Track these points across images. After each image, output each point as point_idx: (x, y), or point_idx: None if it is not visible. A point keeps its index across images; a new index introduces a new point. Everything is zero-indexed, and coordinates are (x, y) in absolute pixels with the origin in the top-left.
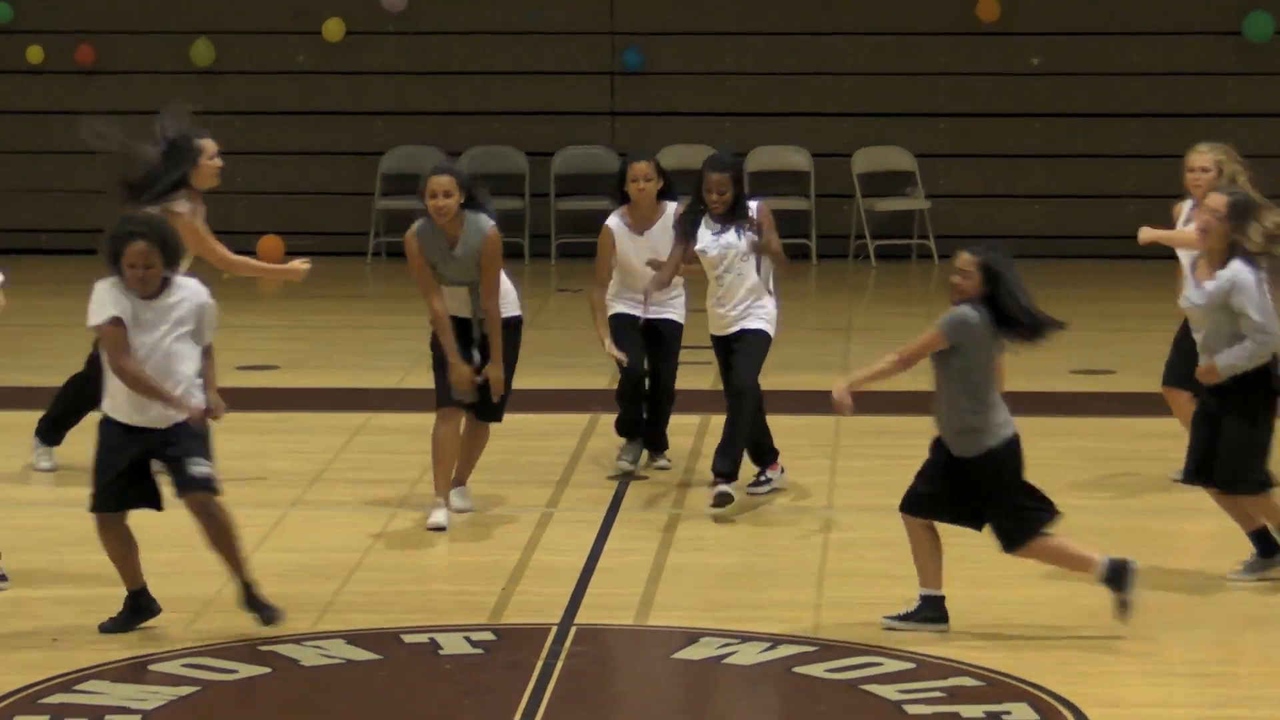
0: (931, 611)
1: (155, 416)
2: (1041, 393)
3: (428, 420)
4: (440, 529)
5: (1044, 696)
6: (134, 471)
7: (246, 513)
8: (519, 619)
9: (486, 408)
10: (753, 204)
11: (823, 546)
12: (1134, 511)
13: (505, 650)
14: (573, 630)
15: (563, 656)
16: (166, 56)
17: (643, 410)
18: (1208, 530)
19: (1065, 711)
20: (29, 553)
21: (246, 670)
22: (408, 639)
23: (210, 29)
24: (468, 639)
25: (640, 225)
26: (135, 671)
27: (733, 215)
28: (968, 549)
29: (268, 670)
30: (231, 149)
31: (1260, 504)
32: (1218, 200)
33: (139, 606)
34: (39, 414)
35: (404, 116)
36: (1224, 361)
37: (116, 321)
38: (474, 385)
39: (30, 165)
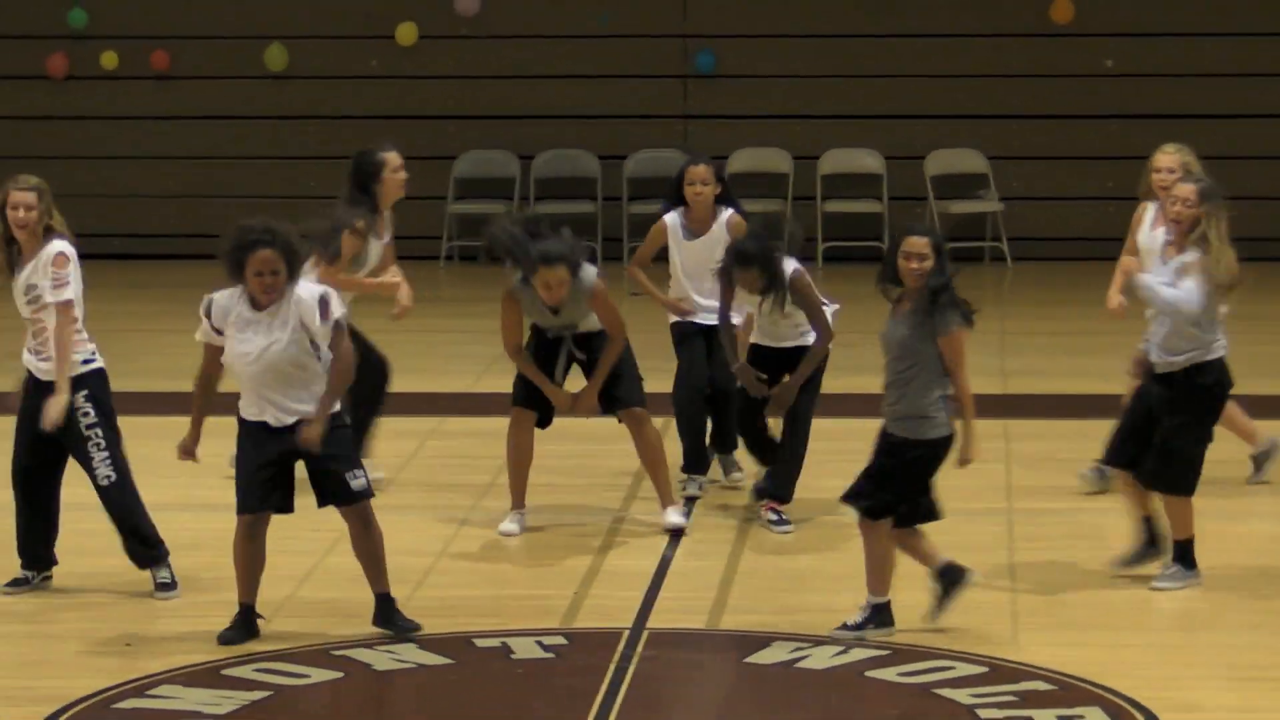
0: (883, 617)
1: (290, 410)
2: (1116, 395)
3: (500, 424)
4: (512, 534)
5: (1117, 700)
6: (278, 473)
7: (317, 517)
8: (591, 623)
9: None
10: (790, 267)
11: (897, 550)
12: (1203, 514)
13: (577, 654)
14: (645, 634)
15: (635, 661)
16: (240, 62)
17: (705, 435)
18: (1273, 532)
19: (1138, 715)
20: (107, 557)
21: (319, 675)
22: (480, 643)
23: (283, 34)
24: (540, 643)
25: (696, 229)
26: (208, 676)
27: (771, 290)
28: (1037, 552)
29: (340, 674)
30: (304, 154)
31: (1179, 506)
32: (1187, 189)
33: (250, 624)
34: None
35: (476, 120)
36: (1148, 282)
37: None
38: (574, 403)
39: (105, 170)
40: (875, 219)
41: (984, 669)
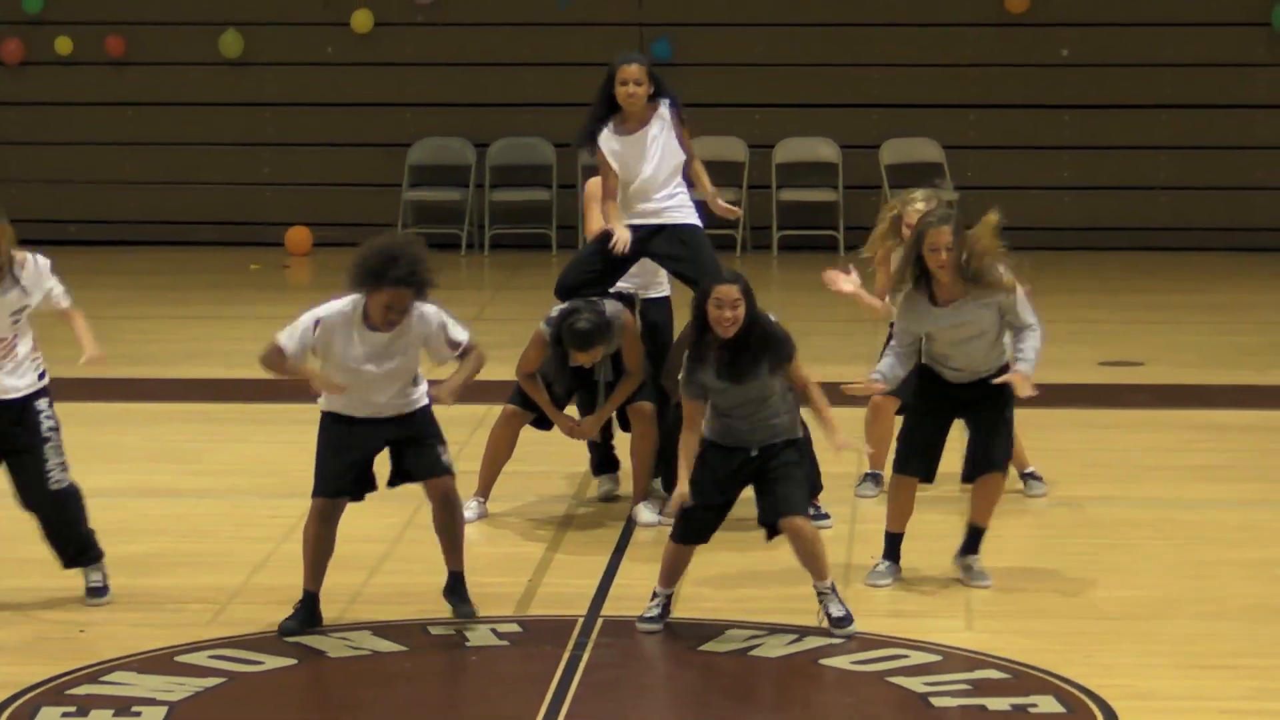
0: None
1: (384, 405)
2: (1070, 385)
3: (457, 411)
4: (469, 521)
5: (1070, 689)
6: (361, 461)
7: (275, 503)
8: (545, 611)
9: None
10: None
11: (849, 539)
12: (1162, 503)
13: (531, 642)
14: (599, 622)
15: (589, 648)
16: (195, 48)
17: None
18: (1238, 521)
19: (1092, 704)
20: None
21: (273, 662)
22: (434, 630)
23: (239, 20)
24: (494, 631)
25: (632, 128)
26: (162, 662)
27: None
28: (991, 540)
29: (294, 661)
30: (260, 140)
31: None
32: (944, 235)
33: (314, 612)
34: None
35: (432, 108)
36: (1027, 371)
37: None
38: (576, 427)
39: (59, 156)
40: (831, 207)
41: (937, 657)
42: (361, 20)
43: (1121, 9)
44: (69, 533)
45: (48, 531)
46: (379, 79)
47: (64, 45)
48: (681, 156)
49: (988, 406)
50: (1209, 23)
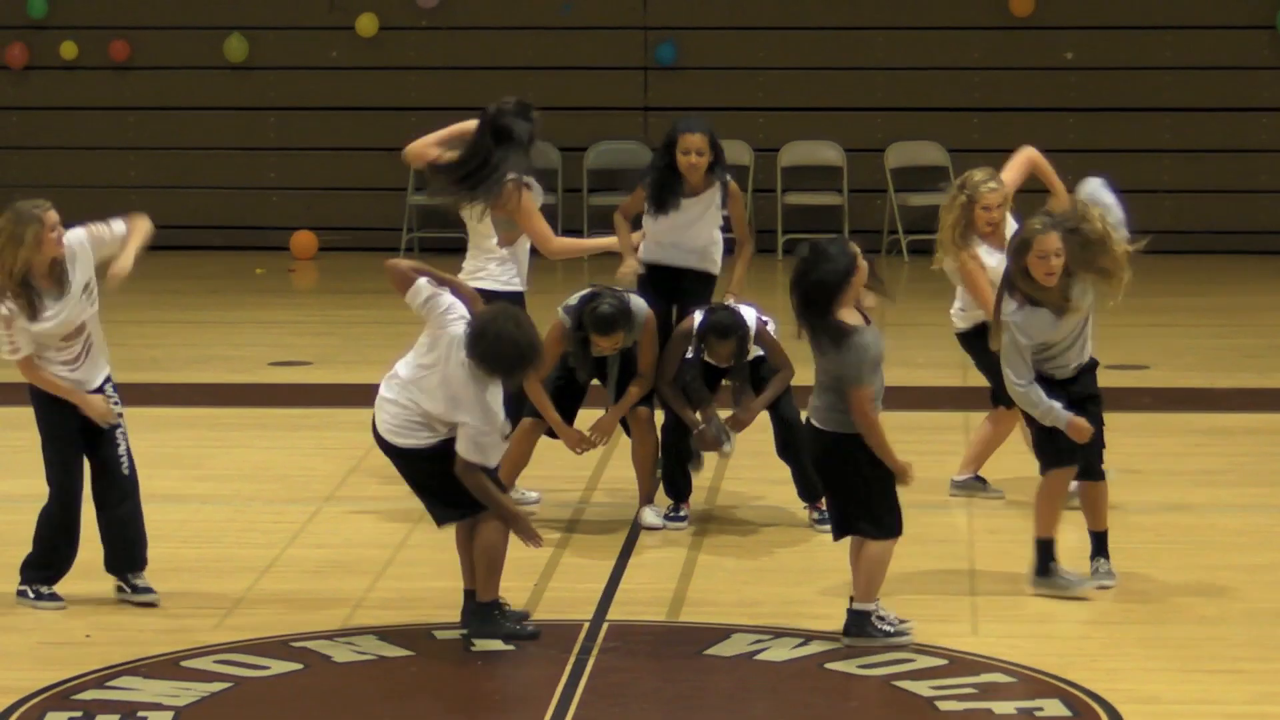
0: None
1: None
2: None
3: None
4: None
5: (1076, 692)
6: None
7: (278, 509)
8: (551, 615)
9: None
10: (751, 317)
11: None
12: (1166, 507)
13: (537, 646)
14: (605, 626)
15: (594, 652)
16: (200, 52)
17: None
18: (1241, 525)
19: (1098, 708)
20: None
21: (279, 666)
22: (440, 635)
23: (244, 24)
24: None
25: (686, 191)
26: (168, 668)
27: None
28: (1002, 545)
29: (300, 666)
30: (264, 144)
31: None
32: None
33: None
34: None
35: (437, 112)
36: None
37: None
38: (590, 432)
39: (64, 161)
40: (835, 211)
41: (944, 661)
42: (366, 24)
43: (1125, 12)
44: (135, 529)
45: (113, 526)
46: (384, 83)
47: (69, 50)
48: (718, 239)
49: (1090, 407)
50: (1213, 26)
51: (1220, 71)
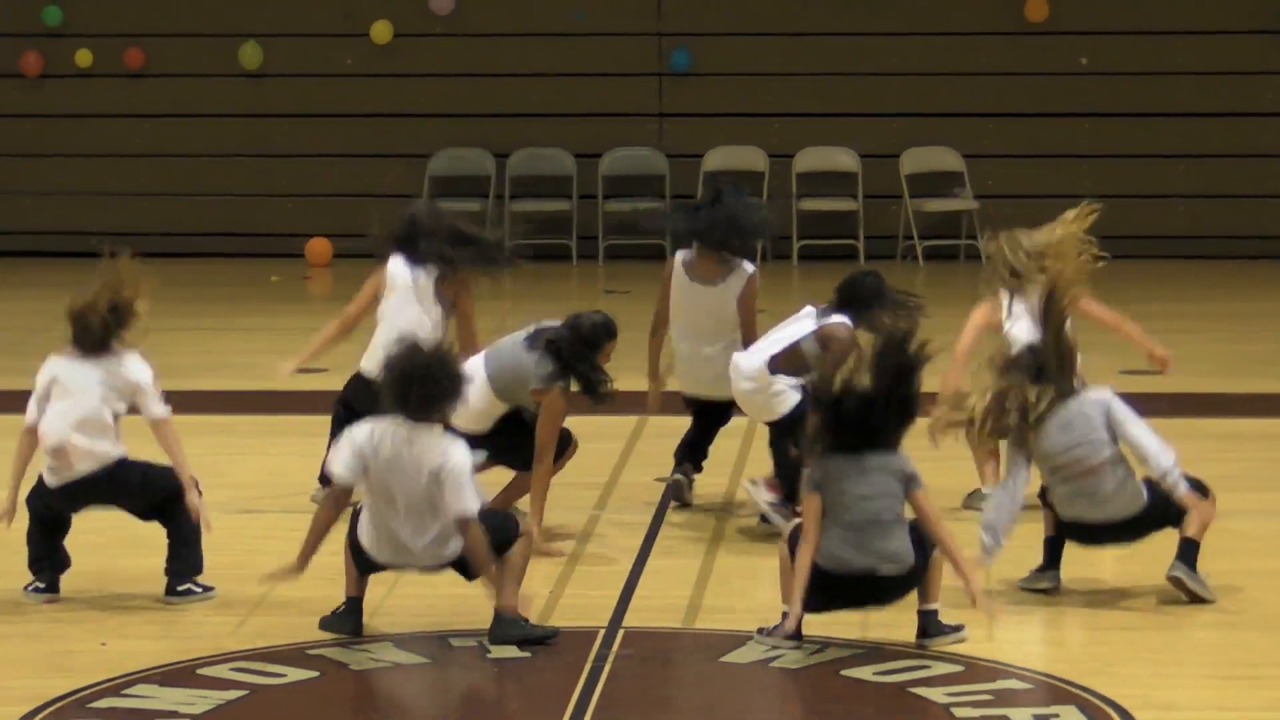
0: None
1: None
2: None
3: None
4: None
5: (1092, 699)
6: None
7: (294, 517)
8: (567, 622)
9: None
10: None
11: None
12: None
13: (553, 653)
14: (620, 633)
15: (610, 659)
16: (215, 60)
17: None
18: (1255, 531)
19: (1114, 714)
20: (81, 555)
21: (295, 674)
22: (456, 642)
23: (258, 32)
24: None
25: (711, 276)
26: (183, 675)
27: None
28: (1012, 550)
29: (316, 674)
30: (279, 152)
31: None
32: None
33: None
34: None
35: (452, 119)
36: None
37: None
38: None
39: (79, 168)
40: (851, 217)
41: (960, 668)
42: (381, 31)
43: (1139, 18)
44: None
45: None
46: (398, 90)
47: (84, 58)
48: (734, 334)
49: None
50: (1226, 31)
51: (1233, 77)
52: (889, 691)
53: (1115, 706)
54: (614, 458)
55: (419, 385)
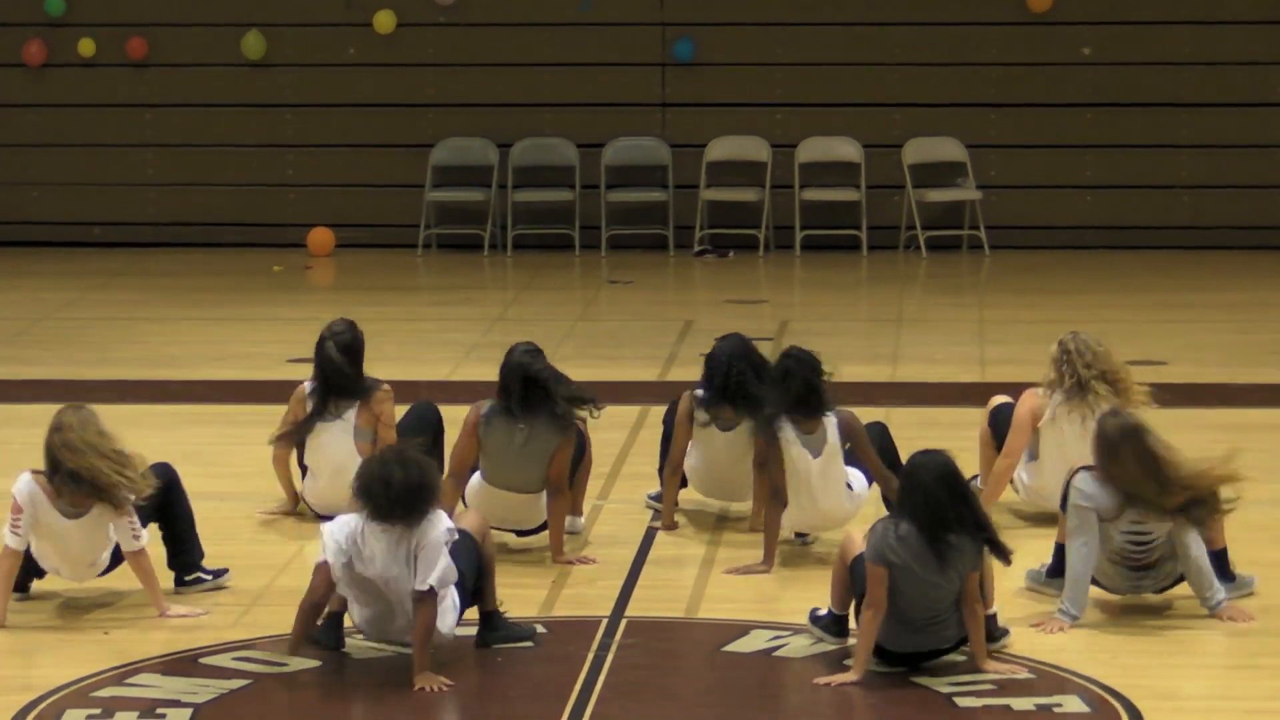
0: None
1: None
2: None
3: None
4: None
5: (1095, 689)
6: None
7: (298, 506)
8: (569, 612)
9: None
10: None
11: None
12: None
13: (556, 643)
14: (623, 623)
15: (613, 649)
16: (218, 49)
17: None
18: (1260, 521)
19: (1116, 704)
20: None
21: (297, 663)
22: (459, 632)
23: (261, 21)
24: None
25: (727, 420)
26: (186, 664)
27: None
28: (1013, 540)
29: (318, 663)
30: (282, 141)
31: None
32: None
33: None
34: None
35: (455, 109)
36: None
37: None
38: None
39: (82, 158)
40: (853, 207)
41: (961, 657)
42: (384, 21)
43: (1143, 7)
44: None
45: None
46: (401, 80)
47: (86, 47)
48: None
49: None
50: (1231, 21)
51: (1238, 66)
52: (892, 681)
53: (1118, 696)
54: (615, 448)
55: (403, 498)
